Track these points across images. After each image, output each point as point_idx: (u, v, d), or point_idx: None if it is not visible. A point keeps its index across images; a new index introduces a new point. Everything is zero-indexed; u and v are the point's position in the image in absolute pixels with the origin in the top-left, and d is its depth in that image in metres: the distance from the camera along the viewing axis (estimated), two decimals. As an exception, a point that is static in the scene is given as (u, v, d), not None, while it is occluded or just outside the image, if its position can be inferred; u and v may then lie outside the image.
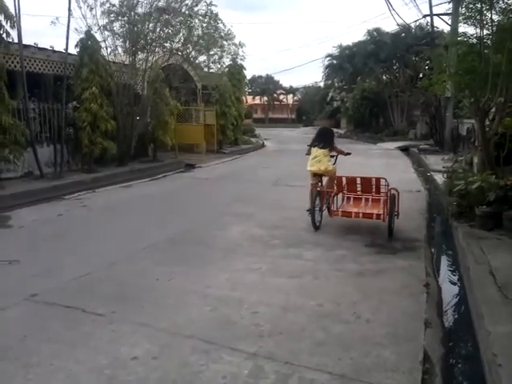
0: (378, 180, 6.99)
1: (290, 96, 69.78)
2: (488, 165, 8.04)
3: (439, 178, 11.37)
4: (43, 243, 6.34)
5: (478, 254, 5.43)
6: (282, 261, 5.52)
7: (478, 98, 8.00)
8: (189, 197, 10.28)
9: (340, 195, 7.45)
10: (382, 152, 21.03)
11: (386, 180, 6.89)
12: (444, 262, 6.41)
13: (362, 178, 7.12)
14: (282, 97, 70.19)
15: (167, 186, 11.92)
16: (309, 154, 7.36)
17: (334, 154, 7.40)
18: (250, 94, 63.17)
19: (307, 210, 7.04)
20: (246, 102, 49.72)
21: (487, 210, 6.57)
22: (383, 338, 3.59)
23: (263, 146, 26.61)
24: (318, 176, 7.21)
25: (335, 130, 29.17)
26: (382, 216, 6.52)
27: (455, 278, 5.55)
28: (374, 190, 7.08)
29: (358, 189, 7.16)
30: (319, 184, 7.16)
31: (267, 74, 66.50)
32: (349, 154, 7.68)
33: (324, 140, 7.30)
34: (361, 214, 6.69)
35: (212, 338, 3.58)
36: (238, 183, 12.04)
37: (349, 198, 7.31)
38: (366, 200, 7.15)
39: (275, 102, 69.79)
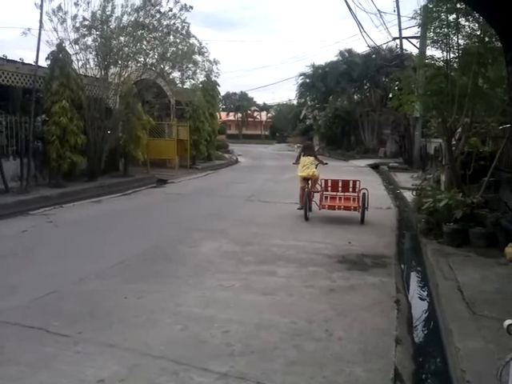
0: (354, 182, 9.29)
1: (264, 113, 70.90)
2: (455, 183, 8.28)
3: (408, 196, 11.65)
4: (6, 261, 6.10)
5: (447, 270, 5.54)
6: (255, 277, 5.49)
7: (445, 118, 8.28)
8: (160, 212, 10.14)
9: (327, 193, 9.48)
10: (353, 169, 21.41)
11: (359, 182, 9.19)
12: (413, 279, 6.51)
13: (342, 181, 9.43)
14: (255, 114, 71.20)
15: (138, 202, 11.74)
16: (297, 163, 9.79)
17: (316, 162, 9.66)
18: (224, 110, 63.91)
19: (298, 209, 9.33)
20: (220, 118, 50.07)
21: (454, 227, 6.74)
22: (355, 356, 3.59)
23: (237, 161, 26.90)
24: (306, 180, 9.45)
25: None
26: (356, 208, 8.88)
27: (424, 294, 5.64)
28: (351, 189, 9.23)
29: (340, 189, 9.36)
30: (307, 186, 9.34)
31: (241, 91, 67.65)
32: (326, 163, 10.41)
33: (310, 151, 9.82)
34: (342, 207, 9.09)
35: (182, 358, 3.49)
36: (210, 199, 11.99)
37: (333, 196, 9.44)
38: (346, 197, 9.31)
39: (249, 119, 70.79)
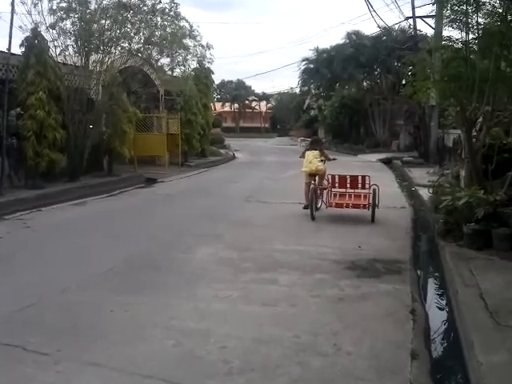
0: (363, 177, 9.52)
1: (263, 103, 70.95)
2: (476, 179, 8.27)
3: (424, 193, 11.66)
4: (-21, 270, 6.10)
5: (467, 276, 5.55)
6: (255, 287, 5.50)
7: (464, 106, 8.26)
8: (149, 215, 10.15)
9: (334, 190, 9.67)
10: (363, 164, 21.43)
11: (369, 177, 9.43)
12: (431, 286, 6.52)
13: (350, 176, 9.65)
14: (254, 104, 71.27)
15: (124, 203, 11.76)
16: (303, 157, 10.04)
17: (322, 158, 9.93)
18: (218, 100, 64.30)
19: (304, 208, 9.56)
20: (215, 109, 50.05)
21: (476, 228, 6.74)
22: (366, 372, 3.60)
23: (233, 157, 27.03)
24: (311, 176, 9.77)
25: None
26: (367, 206, 9.09)
27: (443, 303, 5.65)
28: (360, 186, 9.46)
29: (348, 185, 9.54)
30: (313, 182, 9.66)
31: (238, 79, 67.80)
32: (334, 159, 10.59)
33: (316, 145, 10.17)
34: (351, 205, 9.28)
35: (174, 378, 3.50)
36: (204, 199, 11.99)
37: (341, 194, 9.61)
38: (356, 194, 9.55)
39: (247, 110, 70.93)
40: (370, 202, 9.07)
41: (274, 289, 5.44)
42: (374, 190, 9.12)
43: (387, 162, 22.57)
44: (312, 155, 9.77)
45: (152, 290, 5.37)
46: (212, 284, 5.59)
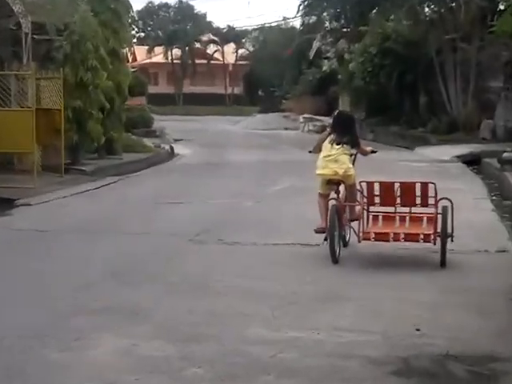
0: (424, 186, 6.05)
1: (231, 48, 41.79)
2: None
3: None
4: None
5: None
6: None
7: None
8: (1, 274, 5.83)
9: (374, 210, 6.40)
10: (425, 167, 14.00)
11: (434, 186, 5.94)
12: None
13: (402, 184, 6.18)
14: (211, 49, 41.99)
15: None
16: (316, 151, 6.50)
17: (353, 152, 6.56)
18: (142, 42, 40.84)
19: (317, 231, 6.12)
20: (135, 59, 31.86)
21: None
22: None
23: (172, 155, 17.87)
24: (332, 184, 6.32)
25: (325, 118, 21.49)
26: (431, 237, 5.79)
27: None
28: (419, 201, 6.13)
29: (397, 201, 6.20)
30: (337, 196, 6.29)
31: (180, 1, 41.39)
32: (374, 151, 6.99)
33: (345, 131, 6.34)
34: (402, 236, 5.89)
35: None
36: (114, 240, 7.34)
37: (387, 215, 6.30)
38: (413, 217, 6.22)
39: (198, 62, 41.11)
40: (438, 230, 5.74)
41: None
42: (445, 208, 5.81)
43: (472, 161, 14.32)
44: (337, 149, 6.27)
45: None
46: None
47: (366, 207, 6.25)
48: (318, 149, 6.44)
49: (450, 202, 5.81)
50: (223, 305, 4.75)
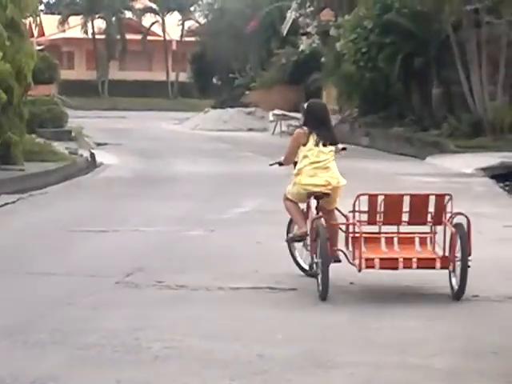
0: (440, 199, 5.13)
1: (175, 18, 32.27)
2: None
3: None
4: None
5: None
6: None
7: None
8: None
9: (374, 232, 5.44)
10: (438, 184, 11.44)
11: (450, 198, 5.11)
12: None
13: (412, 197, 5.21)
14: (148, 20, 32.40)
15: None
16: (288, 162, 5.45)
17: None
18: (51, 10, 32.48)
19: (289, 240, 5.39)
20: (42, 34, 25.70)
21: None
22: None
23: (94, 164, 14.33)
24: (313, 197, 5.23)
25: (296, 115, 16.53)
26: (448, 261, 4.88)
27: None
28: (430, 218, 5.25)
29: (405, 218, 5.21)
30: (314, 211, 5.23)
31: None
32: (343, 149, 5.67)
33: (327, 127, 5.37)
34: (414, 261, 4.95)
35: None
36: (8, 283, 5.33)
37: (391, 238, 5.25)
38: (423, 238, 5.27)
39: (130, 37, 31.70)
40: (456, 253, 4.79)
41: None
42: (461, 226, 4.87)
43: (503, 175, 11.62)
44: (327, 153, 5.25)
45: None
46: None
47: (357, 226, 5.11)
48: (290, 159, 5.31)
49: (467, 218, 4.86)
50: (162, 375, 3.30)
